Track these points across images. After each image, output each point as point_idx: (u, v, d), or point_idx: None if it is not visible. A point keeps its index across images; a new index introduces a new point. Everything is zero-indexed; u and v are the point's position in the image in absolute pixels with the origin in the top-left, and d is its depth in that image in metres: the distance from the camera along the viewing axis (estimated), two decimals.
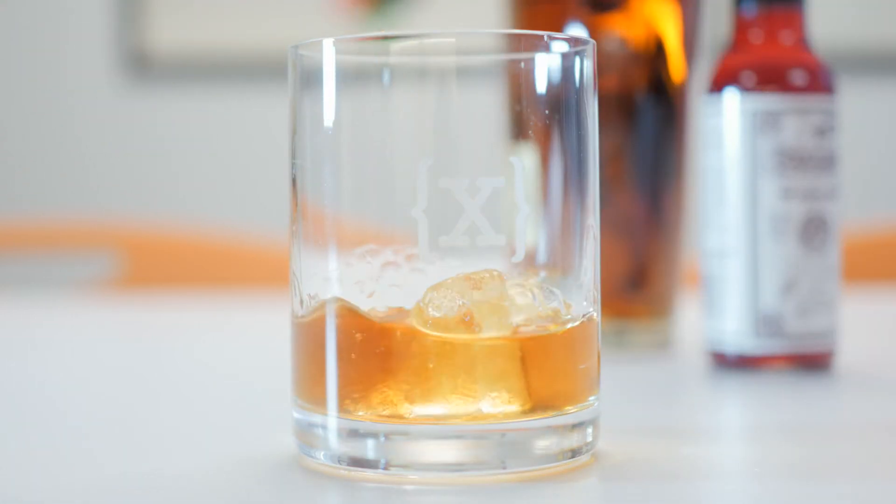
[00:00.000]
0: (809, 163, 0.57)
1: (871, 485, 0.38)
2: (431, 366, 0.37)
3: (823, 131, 0.57)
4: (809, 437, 0.45)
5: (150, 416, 0.51)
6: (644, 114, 0.66)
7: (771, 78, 0.58)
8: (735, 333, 0.58)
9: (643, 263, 0.66)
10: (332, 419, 0.38)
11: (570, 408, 0.38)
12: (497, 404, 0.37)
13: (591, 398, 0.40)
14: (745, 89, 0.58)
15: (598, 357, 0.40)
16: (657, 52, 0.67)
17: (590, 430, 0.39)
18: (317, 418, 0.39)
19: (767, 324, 0.57)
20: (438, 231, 0.37)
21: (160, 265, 1.24)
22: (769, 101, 0.57)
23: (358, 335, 0.38)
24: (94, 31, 2.33)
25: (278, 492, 0.37)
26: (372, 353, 0.38)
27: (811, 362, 0.57)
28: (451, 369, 0.37)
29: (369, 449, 0.37)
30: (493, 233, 0.38)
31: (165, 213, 2.26)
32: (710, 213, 0.59)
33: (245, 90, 2.27)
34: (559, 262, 0.40)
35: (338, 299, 0.39)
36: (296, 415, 0.40)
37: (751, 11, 0.60)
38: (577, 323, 0.39)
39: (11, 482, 0.39)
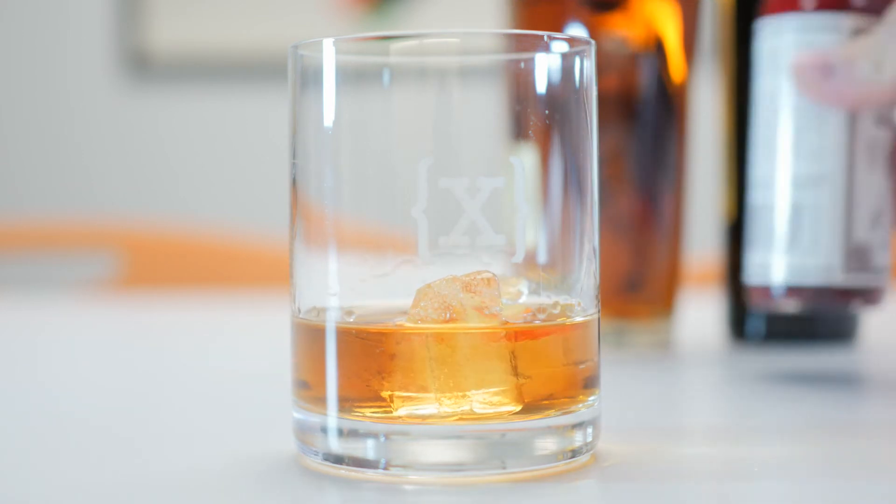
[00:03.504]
0: None
1: (873, 485, 0.38)
2: (428, 366, 0.37)
3: None
4: (811, 436, 0.45)
5: (150, 416, 0.51)
6: (644, 114, 0.66)
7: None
8: (822, 267, 0.53)
9: (643, 263, 0.66)
10: (332, 419, 0.38)
11: (570, 408, 0.38)
12: (491, 403, 0.37)
13: (592, 398, 0.40)
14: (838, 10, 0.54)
15: (599, 357, 0.40)
16: (657, 52, 0.67)
17: (590, 430, 0.39)
18: (317, 418, 0.39)
19: (858, 257, 0.53)
20: (438, 231, 0.37)
21: (160, 265, 1.24)
22: (861, 21, 0.53)
23: (357, 335, 0.38)
24: (94, 31, 2.33)
25: (278, 492, 0.37)
26: (371, 354, 0.38)
27: (872, 298, 0.54)
28: (447, 369, 0.37)
29: (369, 449, 0.37)
30: (492, 233, 0.38)
31: (165, 213, 2.27)
32: (802, 139, 0.54)
33: (245, 90, 2.27)
34: (559, 262, 0.40)
35: (338, 299, 0.39)
36: (296, 415, 0.40)
37: None
38: (577, 323, 0.39)
39: (11, 482, 0.39)
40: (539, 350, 0.38)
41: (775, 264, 0.55)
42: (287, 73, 0.41)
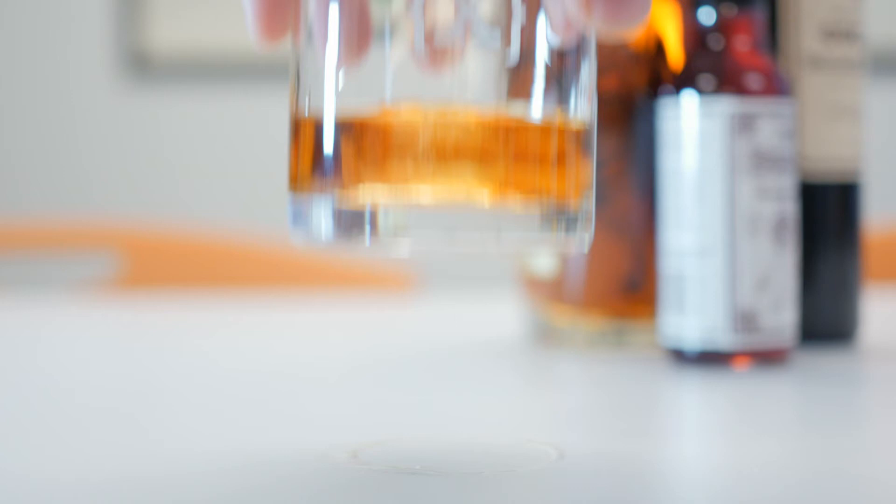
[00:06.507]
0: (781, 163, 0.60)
1: (873, 485, 0.38)
2: (421, 150, 0.37)
3: (790, 134, 0.60)
4: (811, 436, 0.45)
5: (150, 417, 0.51)
6: (644, 114, 0.67)
7: (735, 81, 0.60)
8: (710, 330, 0.60)
9: (643, 263, 0.67)
10: (327, 200, 0.38)
11: (562, 198, 0.38)
12: (482, 188, 0.37)
13: (586, 192, 0.39)
14: (725, 91, 0.60)
15: (592, 160, 0.40)
16: (657, 52, 0.67)
17: (584, 213, 0.39)
18: (312, 199, 0.38)
19: (745, 320, 0.59)
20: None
21: (160, 265, 1.24)
22: (747, 104, 0.59)
23: (354, 122, 0.38)
24: (94, 31, 2.34)
25: (278, 492, 0.37)
26: (372, 136, 0.37)
27: (774, 357, 0.60)
28: (439, 154, 0.37)
29: (364, 225, 0.37)
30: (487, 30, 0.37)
31: (165, 213, 2.27)
32: (685, 212, 0.60)
33: (245, 90, 2.28)
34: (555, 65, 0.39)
35: (339, 93, 0.38)
36: (291, 206, 0.40)
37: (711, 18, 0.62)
38: (571, 120, 0.39)
39: (11, 482, 0.39)
40: (531, 138, 0.38)
41: (674, 326, 0.60)
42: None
